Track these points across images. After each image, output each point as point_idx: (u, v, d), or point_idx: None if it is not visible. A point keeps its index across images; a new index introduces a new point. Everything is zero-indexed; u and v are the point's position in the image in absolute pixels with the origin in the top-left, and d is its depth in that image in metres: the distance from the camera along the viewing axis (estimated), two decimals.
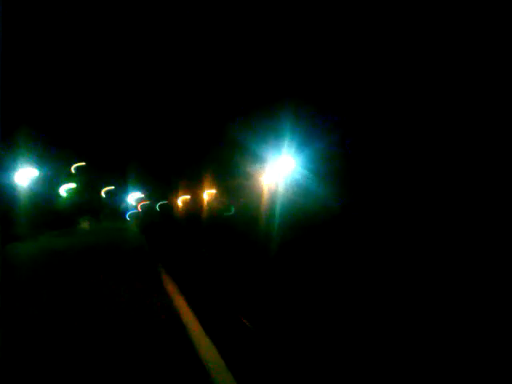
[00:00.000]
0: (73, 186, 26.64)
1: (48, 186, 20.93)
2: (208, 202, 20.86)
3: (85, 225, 29.86)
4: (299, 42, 10.77)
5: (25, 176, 17.59)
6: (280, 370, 4.04)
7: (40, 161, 18.25)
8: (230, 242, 13.98)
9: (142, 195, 52.39)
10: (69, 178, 26.49)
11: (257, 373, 3.97)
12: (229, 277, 8.92)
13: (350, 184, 8.94)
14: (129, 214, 54.81)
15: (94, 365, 3.68)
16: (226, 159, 16.06)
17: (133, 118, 26.94)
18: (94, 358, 3.76)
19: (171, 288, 6.85)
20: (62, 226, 22.08)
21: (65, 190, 25.23)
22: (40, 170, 18.47)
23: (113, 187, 45.90)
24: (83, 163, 28.11)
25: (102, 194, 43.73)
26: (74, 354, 3.95)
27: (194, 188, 23.45)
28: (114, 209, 50.23)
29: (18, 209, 16.08)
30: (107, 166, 35.81)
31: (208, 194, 20.62)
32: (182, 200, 29.14)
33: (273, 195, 11.91)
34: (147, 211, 49.16)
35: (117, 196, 49.40)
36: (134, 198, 54.20)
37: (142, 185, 46.35)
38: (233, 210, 16.87)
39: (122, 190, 48.52)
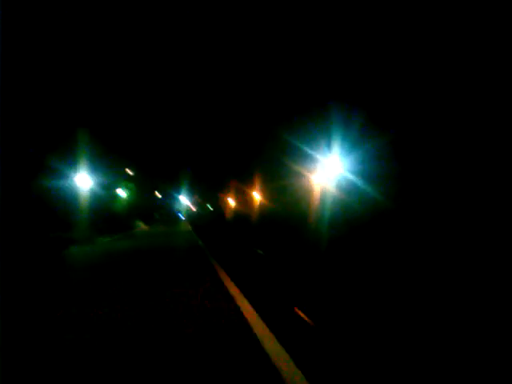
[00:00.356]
0: (129, 189, 27.42)
1: (106, 190, 21.49)
2: (259, 202, 20.92)
3: (142, 226, 30.70)
4: (352, 44, 10.76)
5: (84, 180, 18.08)
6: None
7: (98, 165, 18.77)
8: (282, 240, 14.11)
9: (195, 196, 53.39)
10: (126, 182, 27.24)
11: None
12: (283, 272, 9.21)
13: (399, 186, 8.81)
14: (183, 213, 55.93)
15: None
16: (277, 159, 16.09)
17: (186, 121, 27.41)
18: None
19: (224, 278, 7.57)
20: (121, 229, 22.60)
21: (122, 193, 25.87)
22: (98, 175, 18.99)
23: (167, 189, 46.97)
24: (137, 167, 28.93)
25: (158, 195, 44.82)
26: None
27: (245, 188, 23.57)
28: (168, 209, 51.46)
29: (79, 212, 16.59)
30: (163, 169, 36.69)
31: (259, 194, 20.67)
32: (233, 200, 29.35)
33: (322, 195, 11.95)
34: (200, 211, 50.02)
35: (171, 197, 50.56)
36: (187, 198, 55.26)
37: (195, 186, 47.21)
38: (282, 209, 16.82)
39: (177, 191, 49.58)
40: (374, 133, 9.84)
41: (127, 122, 24.07)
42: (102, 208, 19.66)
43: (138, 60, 18.38)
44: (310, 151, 12.49)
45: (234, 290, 6.55)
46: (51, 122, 14.04)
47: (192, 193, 53.59)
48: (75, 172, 17.08)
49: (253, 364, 3.50)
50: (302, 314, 5.43)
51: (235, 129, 23.23)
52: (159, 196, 48.01)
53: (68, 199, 15.89)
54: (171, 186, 46.50)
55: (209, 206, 43.30)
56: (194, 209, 58.84)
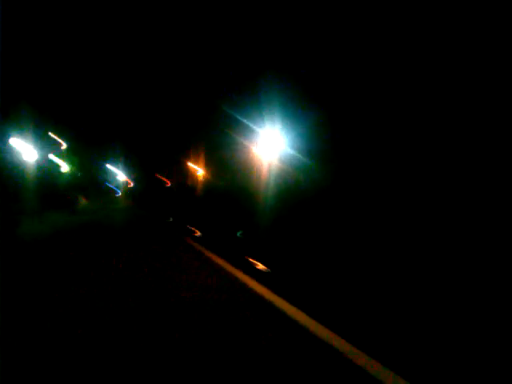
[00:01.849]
0: (71, 163, 26.53)
1: (50, 163, 20.77)
2: (199, 176, 21.09)
3: (82, 201, 29.85)
4: (289, 20, 10.86)
5: (30, 154, 17.43)
6: None
7: (42, 139, 18.12)
8: (221, 212, 14.45)
9: (132, 171, 52.19)
10: (64, 156, 26.29)
11: None
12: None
13: (338, 163, 9.05)
14: (120, 188, 54.60)
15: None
16: (220, 133, 16.12)
17: (122, 95, 26.77)
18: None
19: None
20: (62, 203, 21.98)
21: (65, 167, 25.07)
22: (42, 148, 18.36)
23: (105, 164, 45.60)
24: (76, 141, 27.93)
25: (96, 171, 43.41)
26: None
27: (187, 161, 23.55)
28: (105, 185, 50.10)
29: (26, 186, 16.09)
30: (100, 145, 35.57)
31: (201, 167, 20.83)
32: (173, 174, 29.21)
33: (265, 170, 12.05)
34: (138, 186, 49.17)
35: (107, 173, 49.10)
36: (124, 173, 53.98)
37: (131, 161, 46.13)
38: (222, 183, 17.10)
39: (114, 166, 48.17)
40: (315, 110, 9.89)
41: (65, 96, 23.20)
42: (47, 182, 19.08)
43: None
44: (252, 125, 12.52)
45: None
46: None
47: (130, 167, 52.41)
48: (20, 145, 16.53)
49: None
50: None
51: (173, 104, 23.06)
52: (99, 170, 46.56)
53: (15, 173, 15.41)
54: (110, 163, 45.19)
55: (149, 179, 42.67)
56: (132, 183, 57.59)
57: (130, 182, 57.69)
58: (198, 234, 12.95)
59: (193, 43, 17.37)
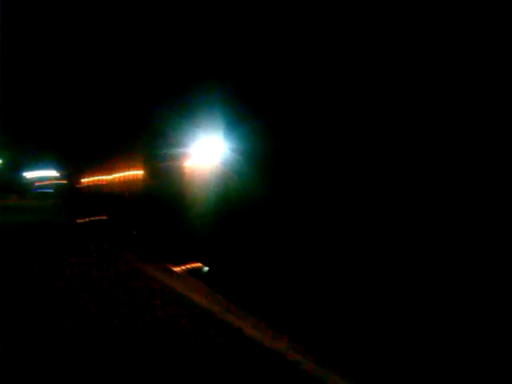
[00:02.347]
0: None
1: None
2: (133, 181, 20.67)
3: (15, 199, 28.31)
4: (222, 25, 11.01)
5: None
6: None
7: None
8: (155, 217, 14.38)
9: (62, 172, 49.92)
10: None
11: None
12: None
13: (275, 169, 9.16)
14: (53, 187, 52.02)
15: None
16: (159, 136, 15.91)
17: (58, 94, 25.73)
18: None
19: None
20: None
21: None
22: None
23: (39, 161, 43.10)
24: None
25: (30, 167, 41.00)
26: None
27: (124, 163, 22.98)
28: (31, 184, 47.47)
29: None
30: (28, 144, 33.78)
31: (139, 170, 20.40)
32: (110, 174, 28.31)
33: (205, 173, 11.99)
34: (67, 187, 47.15)
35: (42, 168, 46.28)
36: (57, 171, 51.51)
37: (63, 162, 44.15)
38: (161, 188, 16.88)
39: (48, 163, 45.64)
40: (255, 114, 9.95)
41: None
42: None
43: None
44: (193, 129, 12.39)
45: None
46: None
47: (62, 167, 50.17)
48: None
49: None
50: None
51: (109, 108, 22.53)
52: (31, 167, 44.17)
53: None
54: (43, 158, 42.97)
55: (81, 179, 41.07)
56: (64, 182, 55.12)
57: (62, 180, 55.23)
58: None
59: (132, 46, 17.11)
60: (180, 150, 13.71)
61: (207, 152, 11.80)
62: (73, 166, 40.07)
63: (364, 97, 7.10)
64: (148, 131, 17.56)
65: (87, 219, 20.64)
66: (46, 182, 54.63)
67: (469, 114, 5.30)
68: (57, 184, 52.33)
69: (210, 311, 5.31)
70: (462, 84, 5.41)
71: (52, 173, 53.22)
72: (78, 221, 19.02)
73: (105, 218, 21.24)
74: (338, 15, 7.65)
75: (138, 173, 20.28)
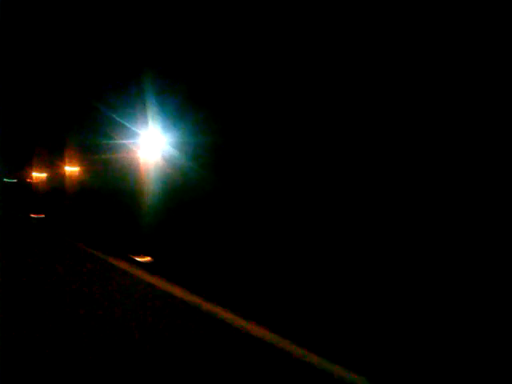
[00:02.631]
0: None
1: None
2: (73, 176, 20.05)
3: None
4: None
5: None
6: None
7: None
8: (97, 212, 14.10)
9: None
10: None
11: None
12: None
13: (217, 165, 9.21)
14: None
15: None
16: (95, 134, 15.55)
17: None
18: None
19: None
20: None
21: None
22: None
23: None
24: None
25: None
26: None
27: (58, 161, 22.26)
28: None
29: None
30: None
31: (73, 168, 19.78)
32: (43, 172, 27.25)
33: (143, 170, 11.81)
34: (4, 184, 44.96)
35: None
36: None
37: None
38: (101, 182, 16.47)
39: None
40: (195, 108, 9.92)
41: None
42: None
43: None
44: (132, 125, 12.12)
45: None
46: None
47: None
48: None
49: None
50: None
51: (45, 95, 21.71)
52: None
53: None
54: None
55: (14, 177, 39.20)
56: None
57: None
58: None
59: (67, 38, 16.55)
60: (120, 143, 13.37)
61: (148, 146, 11.59)
62: (13, 161, 38.30)
63: (307, 90, 7.13)
64: (89, 123, 17.06)
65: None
66: None
67: (468, 115, 5.36)
68: None
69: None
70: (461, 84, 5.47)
71: None
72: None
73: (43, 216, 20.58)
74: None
75: (74, 169, 19.69)
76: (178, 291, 6.38)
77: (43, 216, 21.60)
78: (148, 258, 8.32)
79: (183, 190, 10.04)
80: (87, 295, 5.75)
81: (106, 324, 4.59)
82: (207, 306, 5.66)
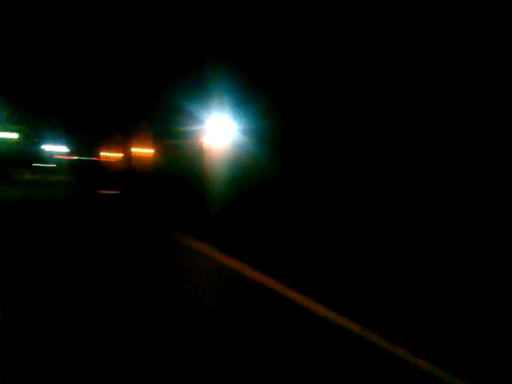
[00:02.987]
0: (19, 132, 24.93)
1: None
2: (149, 158, 20.87)
3: (22, 176, 28.44)
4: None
5: None
6: None
7: None
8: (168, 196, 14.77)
9: (76, 146, 50.06)
10: (15, 123, 24.65)
11: None
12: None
13: (286, 148, 9.25)
14: (62, 163, 52.30)
15: None
16: (165, 118, 16.00)
17: (70, 72, 25.77)
18: None
19: None
20: (3, 176, 21.00)
21: (11, 135, 23.33)
22: None
23: (49, 137, 43.23)
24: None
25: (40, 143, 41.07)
26: None
27: (134, 143, 23.19)
28: (49, 157, 47.67)
29: None
30: (45, 117, 33.82)
31: (149, 150, 20.59)
32: (120, 153, 28.54)
33: (215, 154, 12.05)
34: (82, 162, 47.56)
35: (51, 143, 46.42)
36: (68, 147, 51.69)
37: (76, 137, 44.20)
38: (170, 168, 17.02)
39: (57, 138, 45.76)
40: (264, 92, 9.94)
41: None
42: None
43: None
44: (201, 110, 12.44)
45: None
46: None
47: (71, 142, 50.34)
48: None
49: None
50: None
51: (119, 84, 22.60)
52: (39, 141, 44.24)
53: None
54: (52, 133, 42.98)
55: (93, 157, 41.37)
56: (70, 159, 55.44)
57: (72, 156, 55.50)
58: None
59: (138, 28, 17.09)
60: (192, 129, 13.74)
61: (217, 131, 11.82)
62: (86, 142, 40.33)
63: (373, 80, 7.18)
64: (160, 109, 17.69)
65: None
66: (62, 157, 54.92)
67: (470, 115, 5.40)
68: (70, 160, 52.70)
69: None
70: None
71: (63, 148, 53.44)
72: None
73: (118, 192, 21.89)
74: None
75: (148, 150, 20.50)
76: (236, 264, 7.11)
77: (117, 192, 22.79)
78: (213, 238, 8.93)
79: (249, 175, 10.26)
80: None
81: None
82: (256, 274, 6.48)
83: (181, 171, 14.95)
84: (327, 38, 8.29)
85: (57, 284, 5.55)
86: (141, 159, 21.37)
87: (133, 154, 22.78)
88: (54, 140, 48.79)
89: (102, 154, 32.47)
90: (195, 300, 5.12)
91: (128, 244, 8.49)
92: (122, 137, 25.33)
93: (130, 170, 22.97)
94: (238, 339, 4.01)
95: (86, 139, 39.26)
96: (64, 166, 49.99)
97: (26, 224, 9.98)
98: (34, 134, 38.12)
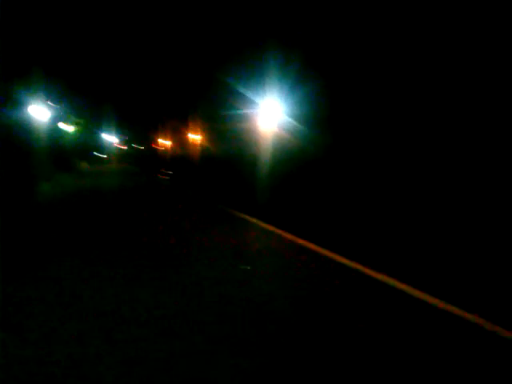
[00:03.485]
0: (78, 125, 26.19)
1: (58, 123, 20.27)
2: (199, 143, 21.39)
3: (86, 166, 29.92)
4: None
5: (42, 112, 17.09)
6: None
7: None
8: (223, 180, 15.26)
9: (128, 136, 51.65)
10: (75, 116, 25.78)
11: None
12: None
13: (334, 129, 9.23)
14: (112, 152, 54.18)
15: None
16: (217, 101, 16.09)
17: (119, 61, 26.58)
18: None
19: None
20: (69, 167, 22.22)
21: (69, 128, 24.48)
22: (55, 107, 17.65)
23: (102, 127, 45.03)
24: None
25: (95, 134, 42.87)
26: None
27: (184, 129, 23.78)
28: (101, 148, 49.67)
29: (38, 147, 15.85)
30: (96, 109, 35.27)
31: (199, 135, 21.07)
32: (170, 140, 29.42)
33: (263, 138, 12.13)
34: (133, 151, 49.12)
35: (101, 133, 48.26)
36: (117, 136, 53.42)
37: (126, 124, 45.72)
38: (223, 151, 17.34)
39: (107, 128, 47.40)
40: (311, 76, 9.91)
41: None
42: (56, 143, 18.82)
43: None
44: (249, 94, 12.49)
45: None
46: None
47: (124, 131, 52.15)
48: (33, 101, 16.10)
49: None
50: None
51: (171, 69, 23.10)
52: (97, 133, 46.06)
53: (27, 132, 15.04)
54: (102, 123, 44.56)
55: (144, 145, 42.75)
56: (124, 148, 57.57)
57: (123, 146, 57.58)
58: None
59: (189, 12, 17.41)
60: (238, 113, 13.86)
61: (265, 115, 11.88)
62: (141, 131, 41.69)
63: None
64: (208, 95, 18.09)
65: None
66: (120, 146, 57.11)
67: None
68: (127, 149, 54.72)
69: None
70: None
71: (121, 137, 55.51)
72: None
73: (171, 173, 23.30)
74: None
75: (197, 136, 21.03)
76: (280, 231, 8.10)
77: (170, 175, 23.92)
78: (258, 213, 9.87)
79: (296, 158, 10.36)
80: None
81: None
82: (297, 239, 7.30)
83: (229, 154, 15.36)
84: (379, 30, 8.19)
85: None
86: (194, 145, 21.90)
87: (187, 140, 23.36)
88: (113, 131, 50.81)
89: (158, 141, 33.43)
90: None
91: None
92: (177, 124, 25.99)
93: (185, 156, 23.62)
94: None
95: (141, 128, 40.50)
96: (123, 155, 51.95)
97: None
98: (94, 125, 39.81)
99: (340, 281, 4.96)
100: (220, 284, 4.61)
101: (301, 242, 7.11)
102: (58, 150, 19.53)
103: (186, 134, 23.20)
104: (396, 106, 7.59)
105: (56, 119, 18.90)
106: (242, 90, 12.94)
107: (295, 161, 10.47)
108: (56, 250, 6.15)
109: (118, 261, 5.55)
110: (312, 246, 6.71)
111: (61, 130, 22.43)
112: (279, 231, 8.12)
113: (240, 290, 4.47)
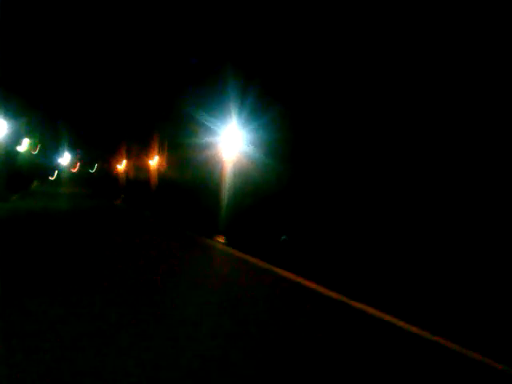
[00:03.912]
0: (33, 144, 25.08)
1: (14, 143, 19.28)
2: (156, 170, 21.19)
3: (37, 186, 28.62)
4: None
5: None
6: None
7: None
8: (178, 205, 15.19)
9: (81, 157, 50.23)
10: (31, 134, 24.68)
11: None
12: None
13: (295, 159, 9.41)
14: (64, 173, 52.23)
15: None
16: (177, 128, 16.07)
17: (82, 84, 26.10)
18: None
19: None
20: (23, 188, 21.12)
21: (22, 148, 23.33)
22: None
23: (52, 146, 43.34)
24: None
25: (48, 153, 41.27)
26: None
27: (142, 153, 23.43)
28: (54, 168, 48.01)
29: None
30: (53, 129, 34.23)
31: (157, 160, 20.85)
32: (127, 163, 28.93)
33: (222, 166, 12.16)
34: (87, 172, 47.83)
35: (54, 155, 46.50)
36: (71, 158, 51.74)
37: (81, 147, 44.55)
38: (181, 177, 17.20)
39: (59, 148, 45.65)
40: (271, 104, 10.03)
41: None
42: (9, 164, 17.88)
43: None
44: (208, 121, 12.52)
45: None
46: None
47: (79, 153, 50.92)
48: None
49: None
50: None
51: (132, 96, 22.97)
52: (50, 153, 44.31)
53: None
54: (56, 144, 42.99)
55: (97, 167, 41.85)
56: (75, 170, 56.08)
57: (75, 166, 56.07)
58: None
59: (151, 38, 17.46)
60: (202, 140, 13.71)
61: (226, 143, 11.95)
62: (97, 154, 40.74)
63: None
64: (166, 123, 18.10)
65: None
66: (74, 170, 55.20)
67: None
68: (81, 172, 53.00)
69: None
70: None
71: (75, 160, 53.94)
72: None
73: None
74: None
75: (155, 162, 20.76)
76: (240, 254, 8.24)
77: (123, 199, 23.36)
78: (222, 238, 9.98)
79: (257, 184, 10.45)
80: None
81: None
82: (255, 260, 7.51)
83: (188, 180, 15.36)
84: (339, 52, 8.47)
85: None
86: (151, 170, 21.64)
87: (143, 164, 23.08)
88: (68, 152, 49.42)
89: (114, 164, 32.85)
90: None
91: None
92: (134, 148, 25.68)
93: (140, 181, 23.31)
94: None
95: (97, 151, 39.63)
96: (76, 178, 50.50)
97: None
98: (48, 146, 38.46)
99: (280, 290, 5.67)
100: None
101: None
102: (11, 171, 18.71)
103: (143, 159, 22.97)
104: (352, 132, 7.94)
105: (10, 138, 18.10)
106: (201, 117, 12.99)
107: (254, 187, 10.65)
108: None
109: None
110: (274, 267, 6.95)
111: (14, 150, 21.57)
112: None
113: None
